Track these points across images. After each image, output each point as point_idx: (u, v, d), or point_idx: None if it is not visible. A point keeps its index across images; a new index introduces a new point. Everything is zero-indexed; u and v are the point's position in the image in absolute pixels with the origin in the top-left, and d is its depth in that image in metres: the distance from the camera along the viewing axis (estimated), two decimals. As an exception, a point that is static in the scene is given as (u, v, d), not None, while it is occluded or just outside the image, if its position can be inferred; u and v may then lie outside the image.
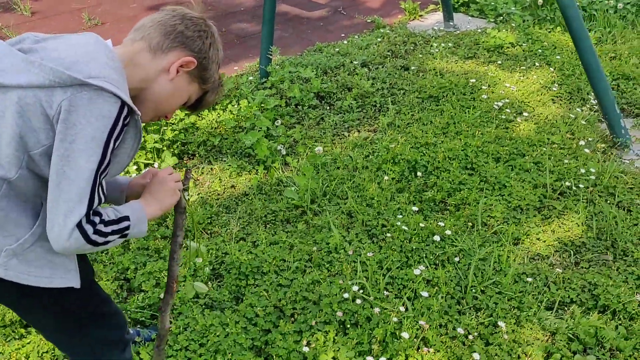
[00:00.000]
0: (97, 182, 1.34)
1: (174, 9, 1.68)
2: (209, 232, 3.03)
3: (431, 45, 5.18)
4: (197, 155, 3.71)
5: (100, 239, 1.34)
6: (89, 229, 1.31)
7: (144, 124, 2.47)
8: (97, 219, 1.34)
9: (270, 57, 4.31)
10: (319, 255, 2.78)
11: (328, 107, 4.20)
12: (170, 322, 1.92)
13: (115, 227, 1.38)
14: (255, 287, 2.61)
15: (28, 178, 1.38)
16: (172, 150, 3.63)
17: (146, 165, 3.51)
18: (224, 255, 2.80)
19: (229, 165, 3.55)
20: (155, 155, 3.56)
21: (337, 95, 4.32)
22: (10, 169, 1.34)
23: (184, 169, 1.98)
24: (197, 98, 1.72)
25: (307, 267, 2.73)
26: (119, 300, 2.56)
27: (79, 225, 1.29)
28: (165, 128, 3.62)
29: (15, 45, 1.43)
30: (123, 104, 1.37)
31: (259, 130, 3.62)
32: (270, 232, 3.00)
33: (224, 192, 3.38)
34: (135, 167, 3.49)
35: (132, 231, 1.44)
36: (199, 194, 3.35)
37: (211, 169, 3.58)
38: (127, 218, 1.43)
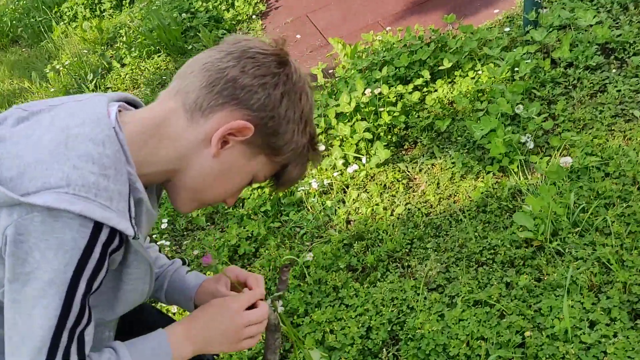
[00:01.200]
0: (64, 338, 0.91)
1: (237, 40, 1.08)
2: (402, 263, 2.34)
3: None
4: (419, 143, 2.95)
5: None
6: None
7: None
8: None
9: (539, -3, 3.13)
10: (535, 338, 1.86)
11: (616, 68, 2.90)
12: None
13: None
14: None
15: None
16: (387, 138, 2.94)
17: (345, 167, 2.91)
18: (407, 310, 2.10)
19: (452, 163, 2.71)
20: (366, 148, 2.93)
21: (636, 46, 2.95)
22: None
23: (281, 266, 1.38)
24: (272, 174, 1.16)
25: (515, 356, 1.85)
26: None
27: None
28: (381, 109, 2.93)
29: None
30: (98, 226, 0.90)
31: (497, 116, 2.66)
32: (480, 282, 2.16)
33: (438, 204, 2.59)
34: (319, 181, 2.93)
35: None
36: (407, 204, 2.64)
37: (432, 165, 2.80)
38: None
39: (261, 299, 1.22)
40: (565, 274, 2.00)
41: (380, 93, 2.93)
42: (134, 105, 1.13)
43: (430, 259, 2.31)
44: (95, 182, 0.91)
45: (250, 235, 2.67)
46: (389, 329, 2.06)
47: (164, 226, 2.95)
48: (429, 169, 2.79)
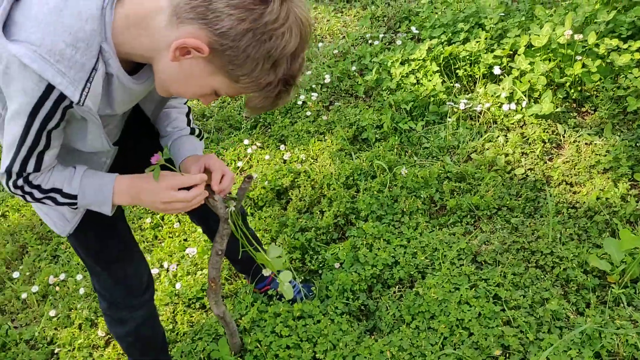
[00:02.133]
0: (23, 154, 1.26)
1: None
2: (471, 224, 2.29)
3: None
4: (596, 113, 2.58)
5: (20, 193, 1.33)
6: (11, 182, 1.31)
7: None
8: (20, 181, 1.31)
9: None
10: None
11: None
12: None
13: (40, 195, 1.33)
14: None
15: None
16: (564, 92, 2.62)
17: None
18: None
19: (608, 152, 2.38)
20: (532, 94, 2.65)
21: None
22: None
23: (244, 176, 1.55)
24: (236, 95, 1.31)
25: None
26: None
27: (5, 176, 1.30)
28: (578, 58, 2.57)
29: None
30: (50, 86, 1.15)
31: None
32: (512, 280, 2.06)
33: (554, 185, 2.37)
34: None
35: (82, 204, 1.37)
36: (529, 169, 2.44)
37: (590, 143, 2.47)
38: (64, 195, 1.35)
39: (206, 187, 1.43)
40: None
41: (584, 40, 2.55)
42: None
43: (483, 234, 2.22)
44: (62, 50, 1.12)
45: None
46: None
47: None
48: (583, 145, 2.48)
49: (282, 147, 2.90)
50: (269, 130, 3.07)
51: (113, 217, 1.44)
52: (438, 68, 2.89)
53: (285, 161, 2.83)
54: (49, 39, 1.11)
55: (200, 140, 1.66)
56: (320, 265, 2.26)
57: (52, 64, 1.11)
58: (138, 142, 1.60)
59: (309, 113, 3.07)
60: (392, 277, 2.14)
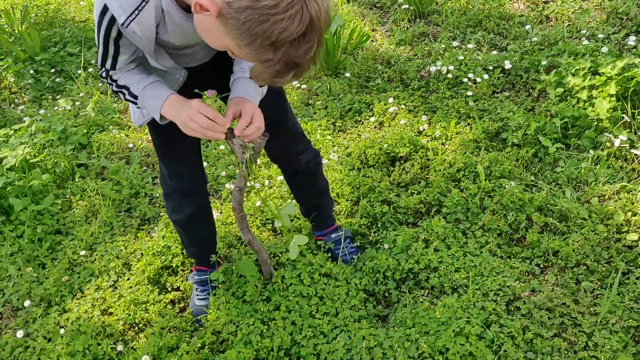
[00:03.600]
0: (101, 54, 1.61)
1: None
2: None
3: None
4: None
5: (105, 82, 1.69)
6: (100, 73, 1.67)
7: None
8: (104, 74, 1.67)
9: None
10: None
11: None
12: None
13: (115, 88, 1.69)
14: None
15: None
16: None
17: None
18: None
19: None
20: None
21: None
22: None
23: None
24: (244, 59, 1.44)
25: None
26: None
27: (98, 67, 1.69)
28: None
29: None
30: (106, 7, 1.47)
31: None
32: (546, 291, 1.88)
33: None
34: None
35: (141, 105, 1.70)
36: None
37: None
38: (130, 93, 1.67)
39: (229, 128, 1.63)
40: None
41: None
42: None
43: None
44: None
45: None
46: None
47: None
48: None
49: (424, 117, 2.89)
50: (428, 95, 3.06)
51: (174, 129, 1.69)
52: (614, 93, 2.52)
53: (420, 132, 2.83)
54: None
55: (261, 86, 1.78)
56: (380, 240, 2.33)
57: None
58: (220, 72, 1.83)
59: (470, 93, 2.96)
60: (427, 281, 2.13)
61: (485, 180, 2.44)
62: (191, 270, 2.33)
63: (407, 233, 2.28)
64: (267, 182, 2.72)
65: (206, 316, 2.13)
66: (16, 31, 4.48)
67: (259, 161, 2.85)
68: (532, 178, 2.45)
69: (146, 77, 1.67)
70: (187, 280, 2.33)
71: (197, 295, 2.25)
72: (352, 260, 2.26)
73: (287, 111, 2.00)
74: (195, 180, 2.00)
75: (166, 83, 1.70)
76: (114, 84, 1.67)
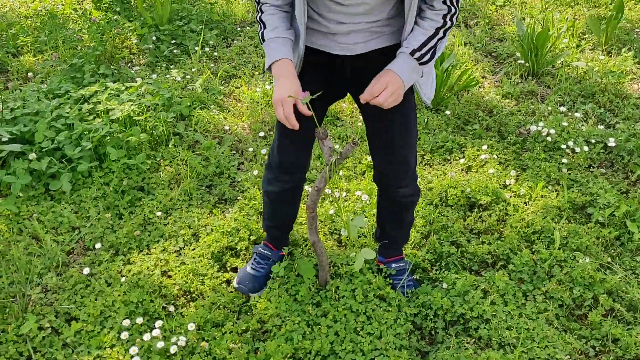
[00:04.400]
0: None
1: None
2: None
3: None
4: None
5: (256, 12, 1.85)
6: (257, 1, 1.82)
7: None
8: (256, 4, 1.83)
9: None
10: None
11: None
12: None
13: (258, 19, 1.82)
14: None
15: None
16: None
17: None
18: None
19: None
20: None
21: None
22: None
23: (351, 139, 1.69)
24: None
25: None
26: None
27: None
28: None
29: None
30: None
31: None
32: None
33: None
34: None
35: (263, 48, 1.81)
36: None
37: None
38: (262, 33, 1.79)
39: (322, 129, 1.69)
40: None
41: None
42: None
43: None
44: None
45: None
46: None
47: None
48: None
49: (512, 172, 2.87)
50: (522, 153, 3.04)
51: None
52: None
53: (506, 186, 2.81)
54: None
55: (422, 63, 1.75)
56: (440, 279, 2.33)
57: None
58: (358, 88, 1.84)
59: (565, 161, 2.92)
60: (476, 330, 2.11)
61: (560, 249, 2.40)
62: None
63: (469, 279, 2.27)
64: (344, 193, 2.78)
65: (257, 300, 2.21)
66: (151, -1, 4.78)
67: (341, 172, 2.92)
68: (609, 260, 2.38)
69: (283, 29, 1.77)
70: (247, 259, 2.42)
71: (252, 264, 2.34)
72: (408, 294, 2.26)
73: (409, 136, 1.95)
74: (299, 161, 2.05)
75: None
76: (260, 14, 1.80)
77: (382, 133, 1.95)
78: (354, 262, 2.20)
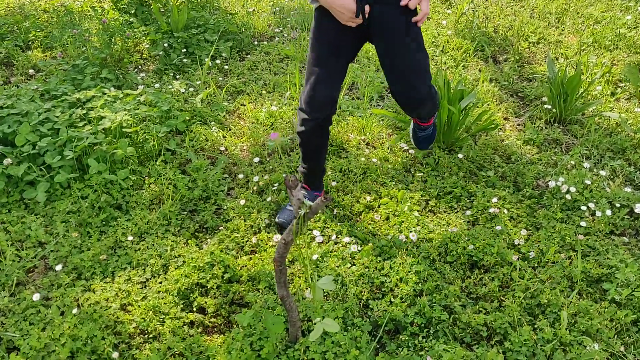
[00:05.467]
0: None
1: None
2: None
3: None
4: None
5: None
6: None
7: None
8: None
9: None
10: None
11: None
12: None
13: None
14: None
15: None
16: None
17: None
18: None
19: None
20: None
21: None
22: None
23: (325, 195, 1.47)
24: None
25: None
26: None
27: None
28: None
29: None
30: None
31: None
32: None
33: None
34: None
35: None
36: None
37: None
38: None
39: (293, 178, 1.54)
40: None
41: None
42: None
43: None
44: None
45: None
46: None
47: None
48: None
49: (523, 231, 2.59)
50: (537, 209, 2.75)
51: (334, 40, 2.15)
52: None
53: (514, 245, 2.54)
54: None
55: None
56: (426, 349, 2.06)
57: None
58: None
59: (583, 224, 2.62)
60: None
61: (566, 329, 2.11)
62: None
63: (457, 354, 1.99)
64: (334, 236, 2.54)
65: (216, 352, 1.97)
66: (170, 3, 4.62)
67: (335, 211, 2.68)
68: (622, 349, 2.09)
69: None
70: (217, 299, 2.18)
71: (288, 207, 2.64)
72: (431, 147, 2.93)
73: (422, 57, 2.20)
74: (333, 94, 2.22)
75: None
76: None
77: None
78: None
